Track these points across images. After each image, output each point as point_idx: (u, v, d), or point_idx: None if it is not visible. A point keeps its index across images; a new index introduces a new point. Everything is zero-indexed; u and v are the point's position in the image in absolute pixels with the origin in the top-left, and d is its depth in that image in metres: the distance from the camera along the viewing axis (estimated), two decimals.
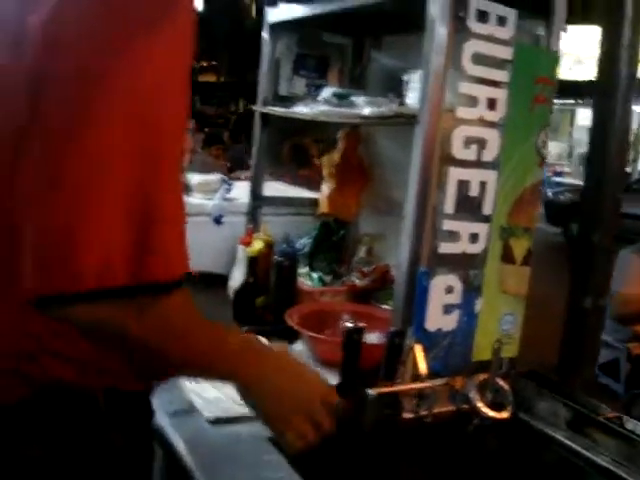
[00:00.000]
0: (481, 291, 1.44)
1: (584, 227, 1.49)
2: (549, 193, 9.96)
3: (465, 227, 1.39)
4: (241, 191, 2.33)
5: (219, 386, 1.39)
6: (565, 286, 1.56)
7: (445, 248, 1.38)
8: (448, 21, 1.29)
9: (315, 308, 1.79)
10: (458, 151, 1.34)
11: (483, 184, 1.39)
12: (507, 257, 1.46)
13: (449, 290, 1.40)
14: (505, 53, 1.36)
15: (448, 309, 1.40)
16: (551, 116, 1.46)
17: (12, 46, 0.81)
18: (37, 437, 0.86)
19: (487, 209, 1.40)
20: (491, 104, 1.36)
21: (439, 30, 1.30)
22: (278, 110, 1.91)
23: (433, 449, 1.34)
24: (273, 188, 2.36)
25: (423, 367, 1.30)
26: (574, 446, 1.30)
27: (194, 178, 2.34)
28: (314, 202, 2.20)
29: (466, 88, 1.33)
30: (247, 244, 1.94)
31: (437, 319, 1.39)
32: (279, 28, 2.04)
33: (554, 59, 1.44)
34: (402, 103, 1.58)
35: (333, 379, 1.42)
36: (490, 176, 1.39)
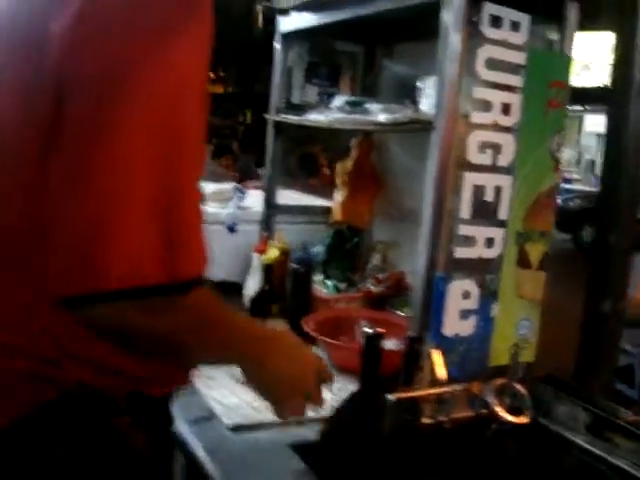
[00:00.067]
0: (497, 296, 1.44)
1: (601, 230, 1.49)
2: (558, 200, 9.93)
3: (481, 232, 1.39)
4: (254, 200, 2.34)
5: (238, 393, 1.40)
6: (576, 292, 1.56)
7: (461, 253, 1.38)
8: (462, 27, 1.30)
9: (331, 315, 1.79)
10: (473, 156, 1.35)
11: (498, 189, 1.39)
12: (523, 262, 1.46)
13: (466, 295, 1.40)
14: (519, 58, 1.37)
15: (465, 314, 1.40)
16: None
17: (35, 53, 0.83)
18: (62, 439, 0.87)
19: (502, 214, 1.41)
20: (505, 109, 1.37)
21: (453, 36, 1.31)
22: (292, 118, 1.92)
23: (452, 454, 1.33)
24: (286, 196, 2.37)
25: (442, 372, 1.30)
26: (595, 450, 1.29)
27: (208, 187, 2.35)
28: (327, 210, 2.21)
29: (480, 93, 1.34)
30: (262, 252, 1.95)
31: (454, 324, 1.39)
32: (291, 37, 2.05)
33: (567, 63, 1.44)
34: (416, 109, 1.59)
35: (351, 385, 1.43)
36: (505, 181, 1.40)
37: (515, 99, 1.37)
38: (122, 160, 0.75)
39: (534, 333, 1.49)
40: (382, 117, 1.52)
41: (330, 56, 2.14)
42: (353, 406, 1.26)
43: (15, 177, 0.86)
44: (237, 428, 1.28)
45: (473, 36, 1.31)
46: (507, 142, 1.38)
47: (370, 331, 1.25)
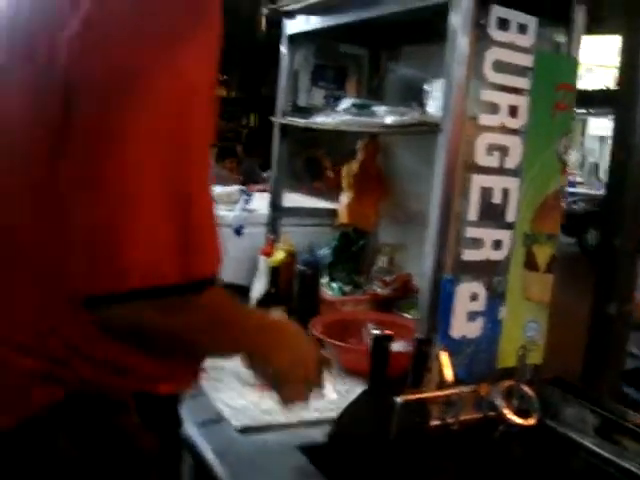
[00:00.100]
0: (505, 298, 1.44)
1: (607, 233, 1.49)
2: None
3: (488, 234, 1.40)
4: (260, 202, 2.35)
5: (246, 395, 1.40)
6: (581, 295, 1.55)
7: (469, 255, 1.38)
8: (470, 30, 1.30)
9: (338, 317, 1.79)
10: (481, 158, 1.35)
11: (506, 191, 1.39)
12: (530, 264, 1.46)
13: (473, 297, 1.40)
14: (526, 61, 1.37)
15: (472, 316, 1.40)
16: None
17: (39, 54, 0.83)
18: (71, 439, 0.87)
19: (510, 216, 1.41)
20: (513, 111, 1.37)
21: (461, 39, 1.31)
22: (299, 121, 1.92)
23: (460, 456, 1.33)
24: (291, 199, 2.38)
25: (449, 374, 1.30)
26: (603, 453, 1.29)
27: (214, 190, 2.35)
28: (333, 213, 2.22)
29: (488, 96, 1.34)
30: (268, 255, 1.95)
31: (462, 326, 1.39)
32: (297, 39, 2.06)
33: (574, 65, 1.44)
34: (423, 112, 1.59)
35: (359, 387, 1.43)
36: (513, 183, 1.40)
37: (522, 101, 1.37)
38: (131, 166, 0.76)
39: (542, 335, 1.49)
40: (389, 119, 1.52)
41: (336, 59, 2.14)
42: (361, 408, 1.26)
43: (24, 177, 0.87)
44: (245, 430, 1.28)
45: (481, 39, 1.32)
46: (514, 144, 1.38)
47: (378, 333, 1.25)
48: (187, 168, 0.80)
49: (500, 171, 1.37)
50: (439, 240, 1.35)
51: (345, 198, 2.13)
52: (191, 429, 1.25)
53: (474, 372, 1.41)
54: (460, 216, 1.36)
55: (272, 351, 1.01)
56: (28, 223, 0.87)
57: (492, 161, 1.36)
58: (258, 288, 1.94)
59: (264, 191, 2.44)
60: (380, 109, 1.68)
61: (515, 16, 1.35)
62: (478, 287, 1.40)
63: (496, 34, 1.33)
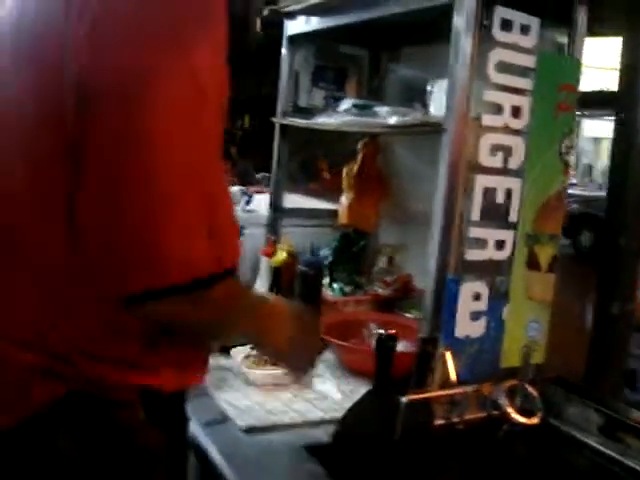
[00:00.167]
0: (508, 298, 1.44)
1: (609, 233, 1.49)
2: None
3: (491, 234, 1.40)
4: (260, 203, 2.35)
5: (250, 395, 1.40)
6: (576, 295, 1.56)
7: (472, 255, 1.38)
8: (473, 31, 1.31)
9: (340, 318, 1.80)
10: (484, 159, 1.35)
11: (509, 191, 1.39)
12: (532, 264, 1.47)
13: (476, 297, 1.40)
14: (529, 61, 1.37)
15: (475, 316, 1.41)
16: None
17: (47, 55, 0.84)
18: (73, 436, 0.87)
19: (513, 216, 1.41)
20: (515, 112, 1.37)
21: (464, 40, 1.31)
22: (300, 122, 1.93)
23: (465, 455, 1.33)
24: (291, 200, 2.38)
25: (453, 374, 1.30)
26: (607, 451, 1.30)
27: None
28: (333, 213, 2.22)
29: (491, 96, 1.34)
30: (269, 255, 1.95)
31: (465, 326, 1.39)
32: (297, 40, 2.06)
33: (577, 66, 1.45)
34: (425, 112, 1.60)
35: (362, 387, 1.44)
36: (515, 183, 1.40)
37: (525, 102, 1.38)
38: (162, 168, 0.78)
39: (544, 335, 1.49)
40: (392, 120, 1.53)
41: (336, 60, 2.15)
42: (366, 407, 1.27)
43: (25, 178, 0.87)
44: (250, 430, 1.28)
45: (484, 40, 1.32)
46: (517, 145, 1.38)
47: (383, 333, 1.26)
48: (206, 168, 0.83)
49: (503, 171, 1.38)
50: (443, 240, 1.36)
51: (345, 199, 2.14)
52: (196, 429, 1.25)
53: (477, 372, 1.41)
54: (463, 216, 1.36)
55: (271, 334, 1.06)
56: (28, 223, 0.87)
57: (495, 161, 1.37)
58: (259, 288, 1.94)
59: (260, 192, 2.45)
60: (382, 110, 1.69)
61: (518, 17, 1.35)
62: (481, 287, 1.40)
63: (499, 35, 1.33)
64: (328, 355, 1.64)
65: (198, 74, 0.80)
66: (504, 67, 1.35)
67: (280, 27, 2.09)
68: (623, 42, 1.43)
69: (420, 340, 1.33)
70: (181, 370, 0.96)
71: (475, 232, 1.38)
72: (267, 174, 2.37)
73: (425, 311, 1.41)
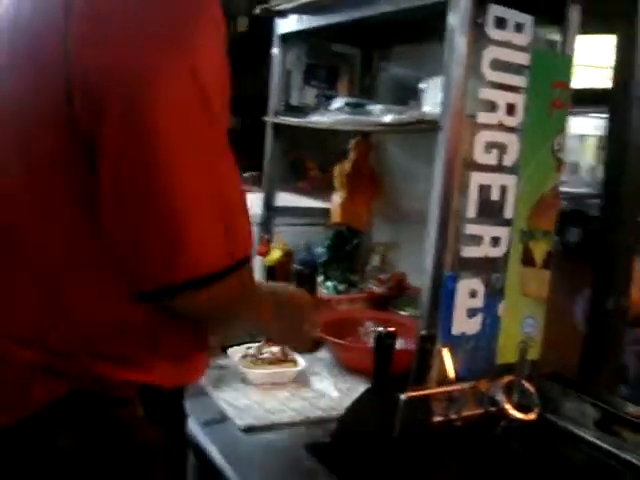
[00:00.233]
0: (503, 294, 1.45)
1: (605, 227, 1.50)
2: None
3: (487, 231, 1.40)
4: (252, 202, 2.34)
5: (249, 394, 1.40)
6: (566, 290, 1.57)
7: (468, 252, 1.39)
8: (468, 29, 1.31)
9: (335, 316, 1.80)
10: (479, 156, 1.36)
11: (504, 188, 1.40)
12: (527, 260, 1.47)
13: (473, 294, 1.41)
14: (523, 59, 1.38)
15: (472, 313, 1.41)
16: None
17: (43, 54, 0.83)
18: (75, 434, 0.87)
19: (508, 213, 1.42)
20: (510, 109, 1.38)
21: (459, 38, 1.32)
22: (293, 120, 1.92)
23: (463, 452, 1.34)
24: (282, 199, 2.38)
25: (452, 371, 1.31)
26: (604, 445, 1.31)
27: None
28: (324, 212, 2.22)
29: (486, 94, 1.35)
30: (263, 254, 1.95)
31: (462, 323, 1.40)
32: (289, 39, 2.06)
33: (570, 64, 1.46)
34: (418, 110, 1.60)
35: (360, 385, 1.44)
36: (510, 180, 1.41)
37: (520, 99, 1.38)
38: (178, 172, 0.79)
39: (539, 331, 1.50)
40: (388, 118, 1.53)
41: (328, 58, 2.15)
42: (365, 405, 1.27)
43: (23, 176, 0.87)
44: (250, 429, 1.28)
45: (478, 37, 1.33)
46: (512, 142, 1.39)
47: (382, 330, 1.26)
48: (216, 165, 0.84)
49: (498, 168, 1.38)
50: (439, 237, 1.36)
51: (338, 197, 2.14)
52: (195, 429, 1.25)
53: (473, 368, 1.42)
54: (459, 213, 1.37)
55: (271, 322, 1.12)
56: (28, 223, 0.87)
57: (490, 159, 1.37)
58: None
59: (248, 192, 2.43)
60: (375, 108, 1.69)
61: (512, 15, 1.35)
62: (477, 284, 1.41)
63: (493, 33, 1.34)
64: (324, 353, 1.65)
65: (199, 73, 0.80)
66: (498, 65, 1.35)
67: (269, 26, 2.09)
68: (617, 40, 1.44)
69: (419, 337, 1.33)
70: (180, 367, 0.96)
71: (471, 229, 1.39)
72: (254, 173, 2.36)
73: (422, 309, 1.41)
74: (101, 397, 0.88)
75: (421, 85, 1.64)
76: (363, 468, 1.22)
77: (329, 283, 2.07)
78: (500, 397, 1.33)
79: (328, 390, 1.49)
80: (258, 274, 1.94)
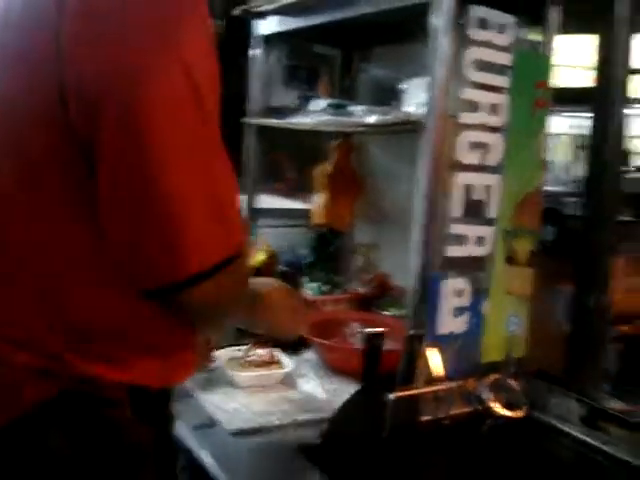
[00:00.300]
0: (488, 293, 1.46)
1: (586, 226, 1.52)
2: None
3: (471, 230, 1.41)
4: None
5: (237, 397, 1.40)
6: (541, 290, 1.59)
7: (453, 251, 1.39)
8: (450, 30, 1.32)
9: (320, 317, 1.80)
10: (463, 156, 1.36)
11: (488, 188, 1.41)
12: (511, 259, 1.49)
13: (459, 293, 1.41)
14: (505, 59, 1.39)
15: (458, 312, 1.42)
16: None
17: (39, 60, 0.82)
18: (65, 435, 0.86)
19: (492, 212, 1.43)
20: (493, 109, 1.39)
21: (442, 39, 1.32)
22: (276, 122, 1.92)
23: (451, 450, 1.35)
24: (262, 200, 2.37)
25: (440, 370, 1.32)
26: (590, 440, 1.32)
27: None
28: (305, 213, 2.21)
29: (469, 94, 1.36)
30: None
31: (448, 322, 1.40)
32: (270, 40, 2.06)
33: (550, 64, 1.47)
34: (400, 111, 1.60)
35: (347, 386, 1.44)
36: (494, 180, 1.42)
37: (503, 99, 1.39)
38: (163, 173, 0.79)
39: (523, 329, 1.51)
40: (371, 119, 1.53)
41: (308, 59, 2.15)
42: (355, 406, 1.27)
43: (16, 176, 0.86)
44: (239, 433, 1.28)
45: (461, 38, 1.33)
46: (495, 142, 1.40)
47: (371, 331, 1.26)
48: (211, 164, 0.84)
49: (482, 168, 1.39)
50: (425, 237, 1.36)
51: (319, 198, 2.13)
52: (186, 434, 1.24)
53: (459, 367, 1.43)
54: (444, 213, 1.37)
55: (256, 316, 1.17)
56: (20, 223, 0.86)
57: (474, 158, 1.38)
58: None
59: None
60: (357, 109, 1.69)
61: (493, 15, 1.36)
62: (463, 283, 1.41)
63: (476, 34, 1.35)
64: (311, 355, 1.65)
65: (191, 70, 0.80)
66: (481, 65, 1.36)
67: (245, 28, 2.08)
68: (599, 40, 1.45)
69: (407, 338, 1.34)
70: (169, 367, 0.96)
71: (456, 229, 1.39)
72: None
73: (408, 309, 1.42)
74: (91, 398, 0.88)
75: (401, 86, 1.65)
76: (354, 468, 1.22)
77: (313, 284, 2.07)
78: (487, 395, 1.34)
79: (315, 392, 1.49)
80: None
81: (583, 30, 1.57)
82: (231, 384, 1.47)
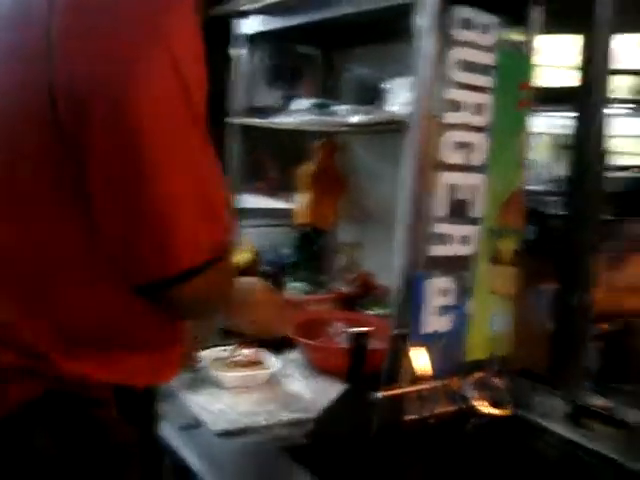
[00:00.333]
0: (472, 292, 1.47)
1: (569, 225, 1.53)
2: None
3: (456, 230, 1.42)
4: None
5: (222, 397, 1.39)
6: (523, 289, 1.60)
7: (437, 251, 1.40)
8: (435, 30, 1.32)
9: (304, 317, 1.79)
10: (448, 156, 1.37)
11: (472, 188, 1.42)
12: (495, 258, 1.49)
13: (443, 292, 1.42)
14: (489, 59, 1.40)
15: (443, 311, 1.42)
16: None
17: (31, 56, 0.81)
18: (51, 436, 0.86)
19: (477, 212, 1.43)
20: (477, 109, 1.40)
21: (426, 39, 1.33)
22: (260, 121, 1.92)
23: (436, 449, 1.35)
24: (244, 200, 2.36)
25: (425, 369, 1.32)
26: (574, 438, 1.33)
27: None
28: (287, 213, 2.21)
29: (453, 94, 1.36)
30: None
31: (433, 321, 1.41)
32: (253, 40, 2.05)
33: (532, 64, 1.48)
34: (384, 111, 1.61)
35: (332, 385, 1.44)
36: (478, 180, 1.42)
37: (486, 99, 1.40)
38: (153, 170, 0.79)
39: (508, 328, 1.52)
40: (355, 118, 1.53)
41: (291, 59, 2.14)
42: (341, 406, 1.27)
43: (4, 174, 0.86)
44: (225, 434, 1.28)
45: (445, 38, 1.34)
46: (480, 142, 1.40)
47: (356, 330, 1.26)
48: (198, 159, 0.85)
49: (466, 168, 1.40)
50: (410, 237, 1.37)
51: (303, 198, 2.13)
52: (171, 435, 1.24)
53: (444, 366, 1.43)
54: (428, 213, 1.38)
55: (241, 314, 1.21)
56: (10, 222, 0.86)
57: (458, 158, 1.39)
58: None
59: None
60: (341, 108, 1.70)
61: (477, 16, 1.37)
62: (447, 282, 1.42)
63: (460, 34, 1.35)
64: (296, 355, 1.65)
65: (179, 64, 0.80)
66: (465, 65, 1.36)
67: (225, 27, 2.08)
68: (584, 39, 1.46)
69: (392, 337, 1.34)
70: (155, 366, 0.97)
71: (440, 228, 1.39)
72: None
73: (393, 308, 1.42)
74: (77, 397, 0.88)
75: (384, 85, 1.65)
76: (340, 468, 1.22)
77: (297, 284, 2.06)
78: (471, 394, 1.34)
79: (301, 391, 1.49)
80: None
81: (565, 30, 1.58)
82: (216, 384, 1.46)
